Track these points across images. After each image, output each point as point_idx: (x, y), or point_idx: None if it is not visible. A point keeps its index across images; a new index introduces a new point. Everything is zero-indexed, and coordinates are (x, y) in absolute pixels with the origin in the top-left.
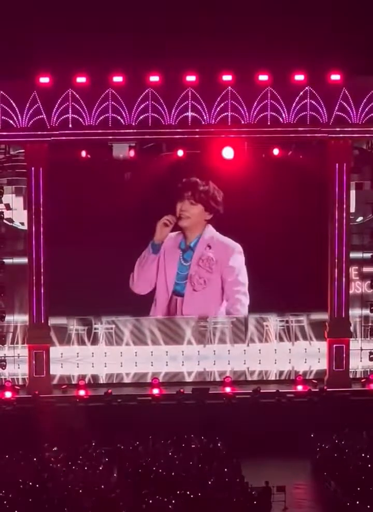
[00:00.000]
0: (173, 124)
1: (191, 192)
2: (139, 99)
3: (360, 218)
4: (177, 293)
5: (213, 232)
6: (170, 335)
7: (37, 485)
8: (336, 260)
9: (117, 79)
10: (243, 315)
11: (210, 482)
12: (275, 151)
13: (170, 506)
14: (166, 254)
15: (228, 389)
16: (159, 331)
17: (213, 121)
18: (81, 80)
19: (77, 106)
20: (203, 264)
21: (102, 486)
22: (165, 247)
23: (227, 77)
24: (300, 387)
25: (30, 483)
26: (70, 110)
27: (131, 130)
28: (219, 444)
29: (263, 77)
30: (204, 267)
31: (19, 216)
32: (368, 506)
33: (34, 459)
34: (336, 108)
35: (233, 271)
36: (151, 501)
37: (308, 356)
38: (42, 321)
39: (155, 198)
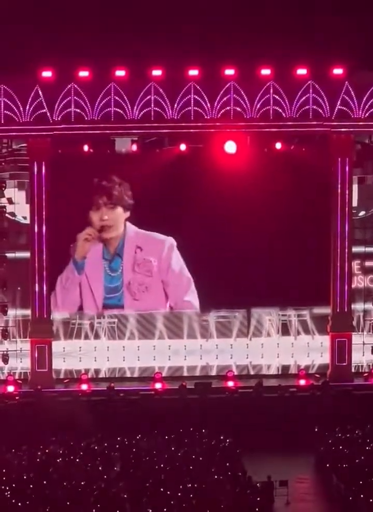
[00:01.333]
0: (175, 118)
1: (106, 195)
2: (142, 93)
3: (362, 213)
4: (113, 306)
5: (135, 229)
6: (173, 329)
7: (40, 479)
8: (338, 255)
9: (120, 73)
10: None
11: (212, 476)
12: (278, 145)
13: (172, 500)
14: (88, 271)
15: (230, 384)
16: (162, 325)
17: (215, 115)
18: (83, 74)
19: (79, 100)
20: (139, 269)
21: (104, 480)
22: (88, 266)
23: (229, 72)
24: (302, 381)
25: (33, 477)
26: (72, 104)
27: (133, 125)
28: (221, 438)
29: (265, 72)
30: (141, 271)
31: (21, 211)
32: (371, 500)
33: (37, 453)
34: (339, 102)
35: (174, 273)
36: (153, 495)
37: (311, 350)
38: (45, 315)
39: (155, 192)
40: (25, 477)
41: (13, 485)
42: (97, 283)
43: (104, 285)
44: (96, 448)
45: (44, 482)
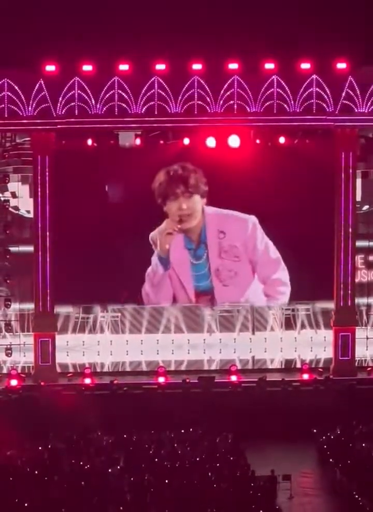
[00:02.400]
0: (179, 112)
1: (183, 184)
2: (145, 88)
3: (366, 207)
4: (204, 291)
5: (214, 210)
6: (176, 323)
7: (43, 473)
8: (342, 249)
9: (124, 67)
10: (284, 301)
11: (215, 471)
12: (281, 140)
13: (175, 495)
14: (174, 264)
15: (234, 378)
16: (166, 319)
17: (219, 109)
18: (87, 68)
19: (83, 94)
20: (226, 255)
21: (107, 475)
22: (173, 259)
23: (233, 66)
24: (306, 376)
25: (37, 471)
26: (76, 98)
27: (137, 119)
28: (224, 433)
29: (269, 66)
30: (228, 258)
31: (25, 205)
32: None
33: (40, 447)
34: (342, 96)
35: (259, 251)
36: (156, 490)
37: (314, 345)
38: (48, 309)
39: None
40: (28, 471)
41: (17, 478)
42: (185, 275)
43: (192, 274)
44: (99, 442)
45: (48, 476)
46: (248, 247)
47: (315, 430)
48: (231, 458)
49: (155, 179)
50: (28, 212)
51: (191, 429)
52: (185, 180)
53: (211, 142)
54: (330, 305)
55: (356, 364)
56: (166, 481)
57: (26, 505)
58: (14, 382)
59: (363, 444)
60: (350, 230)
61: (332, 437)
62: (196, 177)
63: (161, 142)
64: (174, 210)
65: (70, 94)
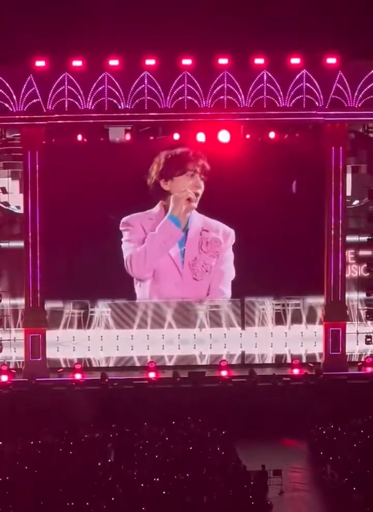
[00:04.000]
0: (169, 107)
1: (200, 166)
2: (135, 83)
3: (356, 202)
4: None
5: (198, 214)
6: (167, 318)
7: (35, 469)
8: (332, 244)
9: (113, 62)
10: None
11: (206, 466)
12: (271, 134)
13: (166, 491)
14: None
15: (224, 373)
16: (156, 315)
17: (209, 105)
18: (77, 63)
19: (73, 90)
20: (207, 248)
21: (99, 470)
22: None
23: (223, 61)
24: (296, 371)
25: (27, 467)
26: (66, 94)
27: (127, 114)
28: (215, 428)
29: (259, 61)
30: (209, 251)
31: (15, 200)
32: (364, 489)
33: (31, 442)
34: (332, 91)
35: (227, 261)
36: (147, 484)
37: (304, 340)
38: (38, 305)
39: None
40: (20, 466)
41: (9, 474)
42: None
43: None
44: (89, 437)
45: (39, 471)
46: (224, 251)
47: (306, 425)
48: (222, 453)
49: (161, 157)
50: (18, 207)
51: (182, 424)
52: (203, 163)
53: (201, 137)
54: (321, 300)
55: (347, 359)
56: (157, 475)
57: (17, 499)
58: (4, 378)
59: (354, 439)
60: (340, 225)
61: (322, 431)
62: (207, 169)
63: (151, 137)
64: (188, 185)
65: (60, 89)
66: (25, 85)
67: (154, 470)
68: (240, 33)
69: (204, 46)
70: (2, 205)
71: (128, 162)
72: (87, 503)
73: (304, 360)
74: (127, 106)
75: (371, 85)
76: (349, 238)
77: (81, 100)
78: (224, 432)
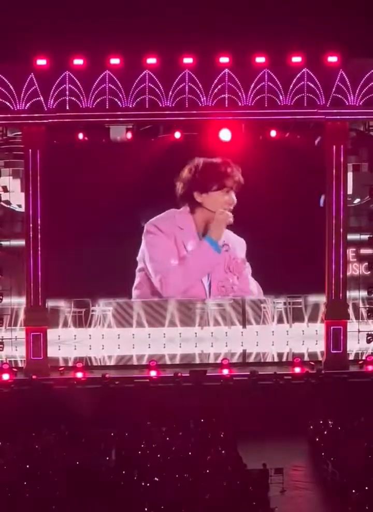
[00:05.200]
0: (170, 106)
1: (237, 185)
2: (136, 81)
3: (357, 200)
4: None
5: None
6: (168, 317)
7: (36, 469)
8: (333, 242)
9: (115, 61)
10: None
11: (207, 465)
12: (273, 133)
13: (167, 489)
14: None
15: (225, 372)
16: (157, 313)
17: (210, 103)
18: (78, 62)
19: (74, 88)
20: (233, 269)
21: (100, 469)
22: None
23: (224, 59)
24: (297, 369)
25: (28, 466)
26: (67, 92)
27: (128, 113)
28: (216, 426)
29: (260, 60)
30: (234, 272)
31: (16, 199)
32: (365, 488)
33: (32, 442)
34: (333, 90)
35: (248, 277)
36: (148, 484)
37: (306, 338)
38: (40, 303)
39: (152, 181)
40: (21, 466)
41: (10, 474)
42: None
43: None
44: (91, 436)
45: (40, 471)
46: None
47: (307, 424)
48: (223, 451)
49: (196, 165)
50: (20, 206)
51: (182, 423)
52: (239, 178)
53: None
54: (322, 298)
55: (348, 357)
56: (158, 474)
57: (18, 500)
58: (6, 377)
59: (355, 438)
60: (341, 223)
61: (324, 430)
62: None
63: (152, 136)
64: (222, 200)
65: (61, 87)
66: (26, 84)
67: (155, 469)
68: (241, 31)
69: (205, 45)
70: (4, 204)
71: (129, 161)
72: (88, 503)
73: (305, 359)
74: (128, 105)
75: (372, 83)
76: (350, 236)
77: (82, 99)
78: (224, 430)
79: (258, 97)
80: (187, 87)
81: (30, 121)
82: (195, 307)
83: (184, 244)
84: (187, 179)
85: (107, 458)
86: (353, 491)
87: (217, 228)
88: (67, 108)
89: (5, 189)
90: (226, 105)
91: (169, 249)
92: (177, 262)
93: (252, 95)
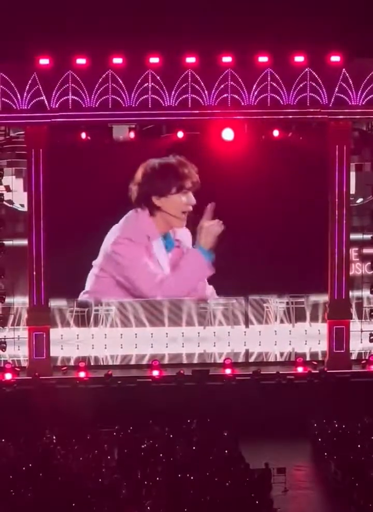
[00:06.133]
0: (173, 105)
1: (194, 185)
2: (139, 81)
3: (360, 200)
4: None
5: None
6: (170, 317)
7: (38, 468)
8: (336, 242)
9: (117, 60)
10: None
11: (209, 464)
12: (275, 133)
13: (170, 489)
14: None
15: (228, 371)
16: (160, 313)
17: (213, 103)
18: (80, 61)
19: (77, 88)
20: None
21: (103, 469)
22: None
23: (227, 59)
24: (300, 369)
25: (31, 465)
26: (70, 92)
27: (131, 112)
28: (219, 426)
29: (263, 59)
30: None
31: (19, 198)
32: (368, 488)
33: (35, 441)
34: (336, 89)
35: None
36: (150, 483)
37: (308, 338)
38: (42, 303)
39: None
40: (23, 465)
41: (12, 473)
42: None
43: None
44: (93, 436)
45: (43, 471)
46: None
47: (309, 423)
48: (226, 451)
49: (152, 168)
50: (22, 205)
51: (185, 423)
52: (197, 179)
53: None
54: (325, 298)
55: (350, 357)
56: (160, 474)
57: (20, 499)
58: (8, 376)
59: (357, 437)
60: (344, 223)
61: (326, 429)
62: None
63: (155, 135)
64: (181, 202)
65: (64, 87)
66: (29, 83)
67: (157, 469)
68: (243, 31)
69: (208, 44)
70: (6, 204)
71: (131, 160)
72: (90, 503)
73: (308, 359)
74: (131, 104)
75: None
76: (353, 236)
77: (85, 98)
78: (227, 430)
79: (261, 96)
80: (190, 86)
81: (33, 120)
82: (197, 307)
83: (154, 253)
84: (143, 181)
85: (108, 458)
86: (356, 491)
87: (206, 237)
88: (70, 107)
89: (8, 188)
90: (229, 105)
91: (144, 261)
92: (169, 273)
93: (254, 95)
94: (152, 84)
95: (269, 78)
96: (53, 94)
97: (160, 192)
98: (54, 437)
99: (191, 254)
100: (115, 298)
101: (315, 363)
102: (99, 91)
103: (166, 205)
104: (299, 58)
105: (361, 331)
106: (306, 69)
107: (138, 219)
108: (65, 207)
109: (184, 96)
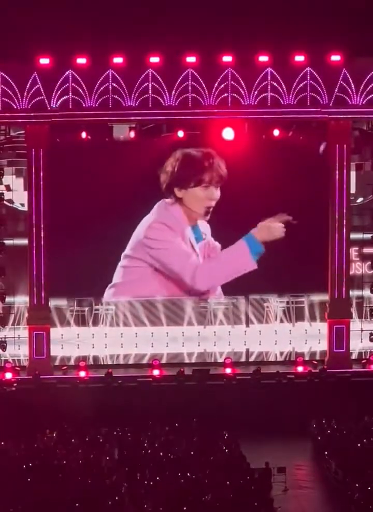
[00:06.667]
0: (173, 105)
1: (218, 179)
2: (139, 80)
3: (360, 199)
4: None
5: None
6: (171, 316)
7: (38, 467)
8: (336, 241)
9: (118, 60)
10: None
11: (210, 463)
12: (276, 132)
13: (171, 488)
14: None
15: (228, 370)
16: (160, 312)
17: (213, 102)
18: (81, 61)
19: (77, 87)
20: (211, 252)
21: (103, 469)
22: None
23: (227, 59)
24: (300, 368)
25: (31, 465)
26: (70, 91)
27: (131, 111)
28: (219, 426)
29: (263, 59)
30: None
31: (19, 198)
32: (368, 487)
33: (35, 441)
34: (336, 89)
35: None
36: (151, 483)
37: (309, 337)
38: (43, 302)
39: (155, 180)
40: (23, 464)
41: (12, 471)
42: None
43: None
44: (93, 435)
45: (42, 470)
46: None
47: (310, 423)
48: (226, 450)
49: (176, 159)
50: (23, 205)
51: (186, 422)
52: (220, 173)
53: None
54: (325, 297)
55: (351, 356)
56: (161, 473)
57: (20, 499)
58: (9, 375)
59: (357, 436)
60: (344, 222)
61: (326, 429)
62: (225, 168)
63: (155, 135)
64: (202, 196)
65: (64, 87)
66: (29, 83)
67: (158, 468)
68: (244, 31)
69: (208, 44)
70: (7, 203)
71: (132, 159)
72: (91, 502)
73: (308, 358)
74: (131, 104)
75: None
76: (353, 235)
77: (85, 98)
78: (227, 429)
79: (261, 96)
80: (190, 86)
81: (33, 120)
82: (198, 306)
83: (190, 239)
84: (169, 172)
85: (108, 458)
86: (356, 490)
87: (266, 233)
88: (70, 107)
89: (8, 188)
90: (229, 105)
91: (181, 245)
92: (205, 259)
93: (255, 94)
94: (152, 83)
95: (269, 78)
96: (54, 94)
97: (180, 184)
98: (55, 435)
99: (238, 244)
100: (144, 293)
101: (315, 362)
102: (99, 91)
103: (186, 198)
104: (299, 58)
105: (362, 330)
106: (307, 69)
107: (168, 208)
108: (65, 206)
109: (184, 96)
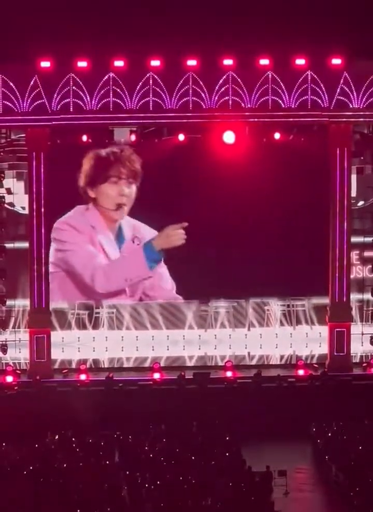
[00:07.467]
0: (174, 108)
1: (126, 168)
2: (140, 84)
3: (361, 203)
4: None
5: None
6: (171, 319)
7: (39, 471)
8: (337, 245)
9: (119, 63)
10: None
11: (211, 467)
12: (276, 135)
13: (171, 492)
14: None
15: (229, 374)
16: (161, 315)
17: (214, 105)
18: (82, 64)
19: (78, 90)
20: None
21: (104, 472)
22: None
23: (228, 62)
24: (301, 372)
25: (32, 468)
26: (71, 94)
27: (132, 115)
28: (220, 429)
29: (264, 62)
30: None
31: (20, 201)
32: (369, 491)
33: (36, 444)
34: (337, 92)
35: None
36: (151, 486)
37: (309, 341)
38: (43, 306)
39: (153, 182)
40: (24, 468)
41: (14, 476)
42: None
43: None
44: (94, 439)
45: (43, 473)
46: None
47: (310, 426)
48: (227, 454)
49: (88, 159)
50: (23, 208)
51: (186, 425)
52: (129, 166)
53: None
54: (326, 301)
55: (351, 359)
56: (161, 477)
57: (21, 502)
58: (10, 379)
59: (358, 440)
60: (345, 225)
61: (327, 432)
62: (138, 164)
63: (156, 138)
64: (113, 194)
65: (65, 90)
66: (30, 86)
67: (159, 471)
68: (245, 34)
69: (209, 47)
70: (7, 206)
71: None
72: (91, 506)
73: (309, 361)
74: (132, 107)
75: None
76: (354, 239)
77: (86, 101)
78: (228, 433)
79: (262, 99)
80: (191, 89)
81: (34, 123)
82: (199, 309)
83: (100, 242)
84: (83, 174)
85: (108, 461)
86: (356, 493)
87: (163, 240)
88: (71, 110)
89: (9, 191)
90: (230, 108)
91: (86, 246)
92: (106, 262)
93: (255, 97)
94: (153, 86)
95: (270, 81)
96: (54, 97)
97: (91, 183)
98: (56, 438)
99: (136, 250)
100: (68, 297)
101: (316, 365)
102: (100, 94)
103: (98, 197)
104: (300, 61)
105: (362, 334)
106: (307, 72)
107: (84, 210)
108: (66, 210)
109: (185, 99)
